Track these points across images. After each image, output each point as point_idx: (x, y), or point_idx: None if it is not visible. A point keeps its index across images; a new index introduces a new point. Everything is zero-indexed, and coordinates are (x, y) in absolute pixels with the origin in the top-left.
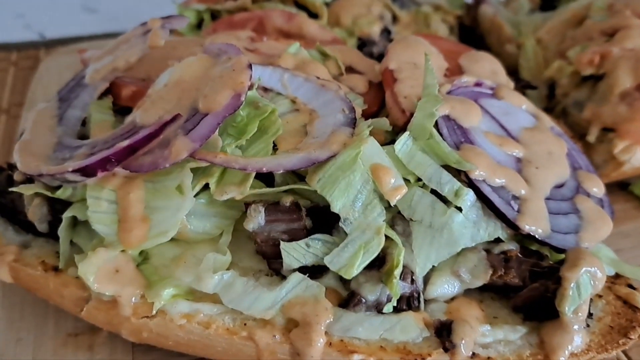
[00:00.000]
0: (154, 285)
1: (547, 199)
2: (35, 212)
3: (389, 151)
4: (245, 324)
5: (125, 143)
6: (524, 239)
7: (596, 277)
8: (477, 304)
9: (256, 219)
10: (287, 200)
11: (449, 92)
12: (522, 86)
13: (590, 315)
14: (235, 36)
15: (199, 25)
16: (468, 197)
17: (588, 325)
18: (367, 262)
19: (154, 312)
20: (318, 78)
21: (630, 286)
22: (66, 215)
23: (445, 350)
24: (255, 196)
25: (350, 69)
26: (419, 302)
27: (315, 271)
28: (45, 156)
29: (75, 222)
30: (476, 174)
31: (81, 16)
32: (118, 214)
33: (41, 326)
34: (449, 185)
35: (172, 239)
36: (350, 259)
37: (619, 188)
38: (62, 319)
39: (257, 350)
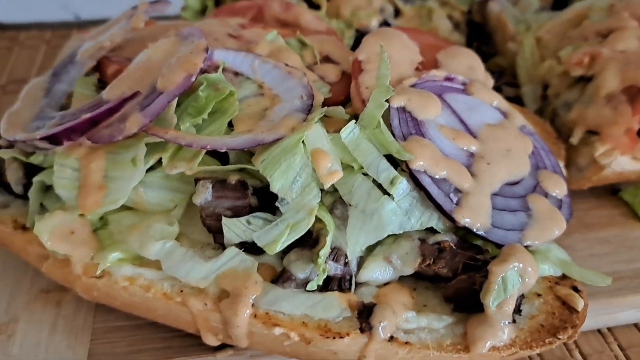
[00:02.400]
0: (104, 248)
1: (496, 194)
2: (12, 175)
3: (337, 138)
4: (181, 291)
5: (87, 115)
6: (467, 233)
7: (526, 273)
8: (409, 291)
9: (204, 194)
10: (234, 179)
11: (414, 85)
12: (504, 83)
13: (519, 311)
14: (225, 22)
15: (203, 11)
16: (401, 186)
17: (514, 321)
18: (292, 240)
19: (98, 272)
20: (287, 65)
21: (575, 288)
22: (36, 179)
23: (362, 331)
24: (206, 173)
25: (327, 59)
26: (350, 284)
27: (257, 247)
28: (25, 125)
29: (47, 186)
30: (416, 165)
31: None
32: (79, 181)
33: (19, 281)
34: (385, 173)
35: (131, 209)
36: (276, 236)
37: (610, 193)
38: (38, 276)
39: (192, 316)
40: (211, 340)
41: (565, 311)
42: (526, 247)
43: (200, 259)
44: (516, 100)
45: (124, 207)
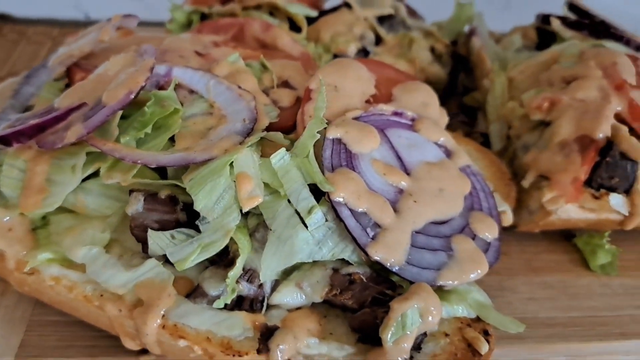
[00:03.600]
0: (38, 248)
1: (418, 232)
2: None
3: (268, 163)
4: (101, 295)
5: (35, 121)
6: (383, 268)
7: (427, 313)
8: (318, 318)
9: (135, 206)
10: (164, 194)
11: (357, 118)
12: (460, 121)
13: (418, 348)
14: (197, 40)
15: (189, 25)
16: (316, 216)
17: (412, 358)
18: (202, 259)
19: (26, 270)
20: (239, 87)
21: (486, 332)
22: None
23: (259, 352)
24: (141, 185)
25: (285, 84)
26: (261, 305)
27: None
28: None
29: None
30: (337, 196)
31: (128, 2)
32: (23, 182)
33: None
34: (304, 202)
35: (73, 212)
36: (188, 254)
37: (565, 239)
38: None
39: (109, 320)
40: (130, 345)
41: (468, 353)
42: (441, 286)
43: (122, 267)
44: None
45: (66, 210)
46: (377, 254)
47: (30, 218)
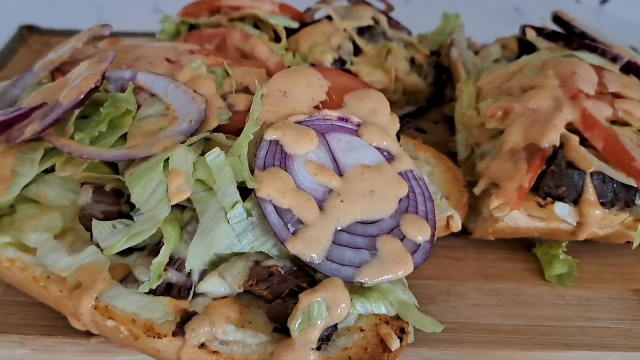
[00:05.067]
0: (1, 232)
1: (342, 230)
2: None
3: (203, 161)
4: (48, 277)
5: (1, 118)
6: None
7: (334, 306)
8: (240, 307)
9: (84, 197)
10: (109, 187)
11: (300, 122)
12: (415, 128)
13: (326, 340)
14: (170, 48)
15: (178, 35)
16: (237, 211)
17: (319, 348)
18: (128, 246)
19: None
20: (194, 91)
21: (402, 330)
22: None
23: (174, 334)
24: (91, 178)
25: (246, 89)
26: (188, 292)
27: (126, 250)
28: None
29: None
30: (261, 193)
31: (149, 15)
32: None
33: None
34: (229, 197)
35: (37, 202)
36: (116, 241)
37: (526, 248)
38: None
39: (55, 300)
40: (76, 325)
41: (379, 349)
42: (362, 283)
43: (66, 252)
44: None
45: (31, 200)
46: (294, 249)
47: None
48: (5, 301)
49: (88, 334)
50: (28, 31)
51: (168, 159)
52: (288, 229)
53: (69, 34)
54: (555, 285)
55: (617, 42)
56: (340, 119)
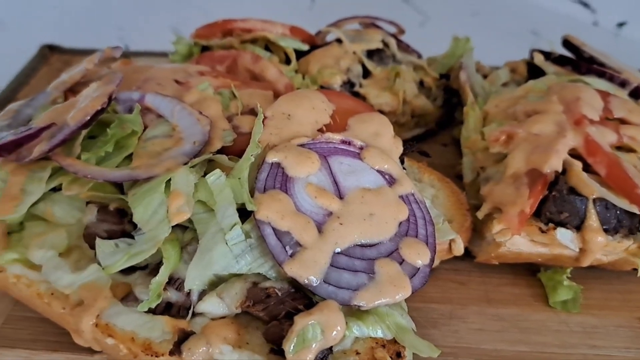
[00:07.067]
0: (8, 249)
1: (341, 253)
2: None
3: (204, 182)
4: (52, 294)
5: (12, 138)
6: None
7: (329, 329)
8: (238, 328)
9: (89, 216)
10: (113, 206)
11: (303, 145)
12: (418, 152)
13: None
14: (180, 69)
15: (191, 56)
16: (235, 232)
17: None
18: (128, 265)
19: None
20: (200, 113)
21: (398, 354)
22: None
23: (170, 353)
24: (96, 197)
25: (252, 111)
26: (187, 312)
27: (128, 269)
28: None
29: None
30: (260, 215)
31: (169, 35)
32: (3, 190)
33: None
34: (228, 219)
35: (45, 220)
36: (116, 261)
37: (532, 273)
38: None
39: (58, 317)
40: (79, 341)
41: None
42: (359, 306)
43: (69, 270)
44: None
45: (40, 218)
46: (292, 271)
47: (7, 223)
48: (15, 316)
49: (91, 351)
50: (50, 50)
51: (170, 179)
52: (286, 251)
53: (90, 53)
54: (559, 312)
55: (634, 65)
56: (343, 142)
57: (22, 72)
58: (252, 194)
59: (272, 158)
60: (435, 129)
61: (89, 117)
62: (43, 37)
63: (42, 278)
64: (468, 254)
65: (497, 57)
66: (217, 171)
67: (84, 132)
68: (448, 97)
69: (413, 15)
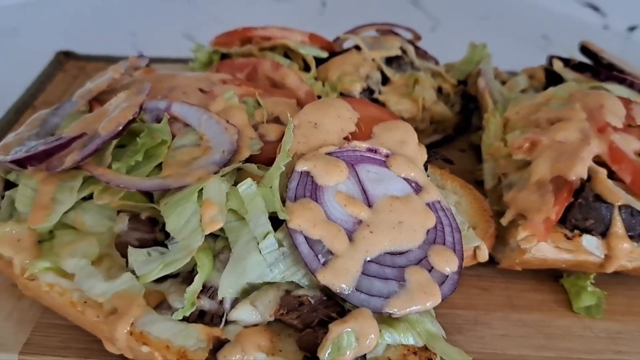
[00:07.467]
0: (40, 257)
1: (371, 261)
2: None
3: (235, 191)
4: (85, 302)
5: (42, 147)
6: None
7: (363, 337)
8: (271, 335)
9: (121, 225)
10: (145, 215)
11: (330, 153)
12: (442, 159)
13: None
14: (204, 78)
15: (210, 64)
16: (269, 241)
17: None
18: (163, 274)
19: (26, 275)
20: (227, 122)
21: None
22: (7, 193)
23: None
24: (127, 206)
25: (276, 119)
26: (220, 320)
27: (160, 277)
28: (10, 148)
29: None
30: (292, 224)
31: (181, 42)
32: (34, 200)
33: None
34: (261, 227)
35: (74, 228)
36: (151, 269)
37: (554, 279)
38: None
39: (91, 325)
40: (111, 349)
41: None
42: (390, 314)
43: (102, 278)
44: None
45: (70, 226)
46: (324, 279)
47: (38, 231)
48: (44, 324)
49: (123, 358)
50: (65, 57)
51: (202, 189)
52: (318, 259)
53: (104, 59)
54: (583, 317)
55: None
56: (370, 150)
57: (38, 79)
58: (282, 202)
59: (301, 167)
60: (453, 134)
61: (121, 127)
62: (56, 43)
63: (74, 286)
64: (491, 260)
65: (507, 61)
66: (249, 180)
67: (114, 142)
68: (465, 103)
69: (424, 20)
